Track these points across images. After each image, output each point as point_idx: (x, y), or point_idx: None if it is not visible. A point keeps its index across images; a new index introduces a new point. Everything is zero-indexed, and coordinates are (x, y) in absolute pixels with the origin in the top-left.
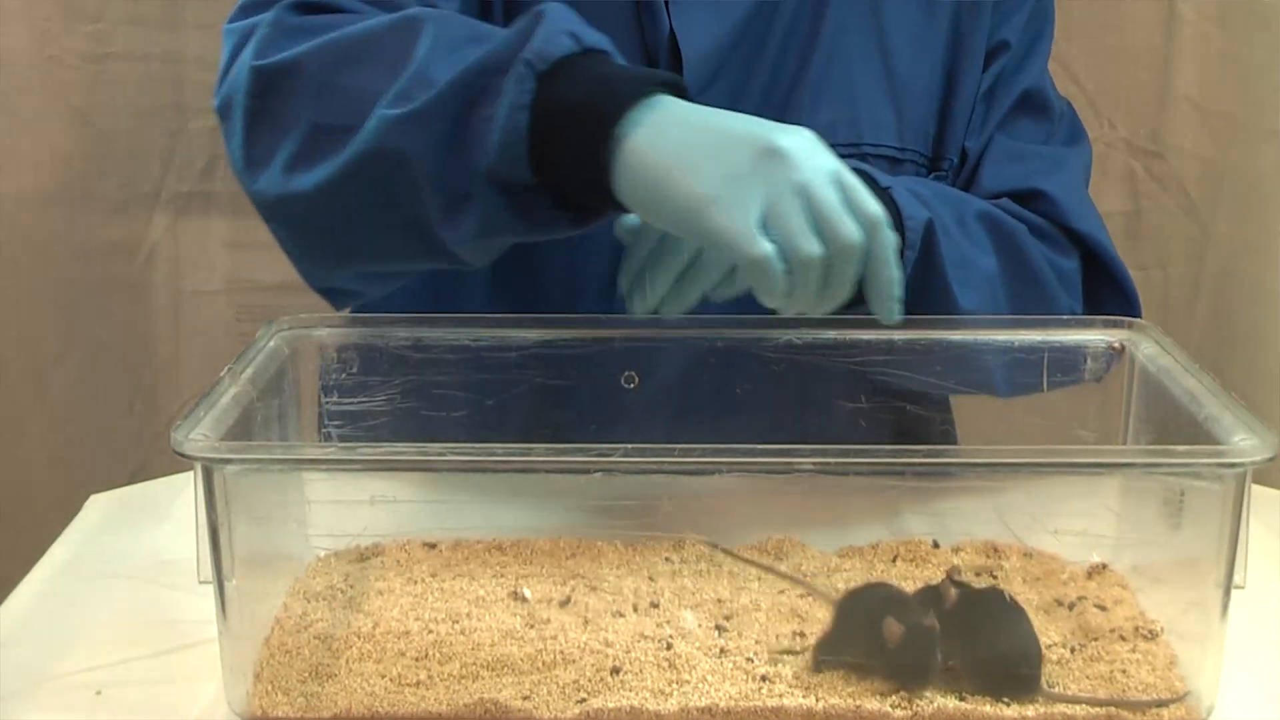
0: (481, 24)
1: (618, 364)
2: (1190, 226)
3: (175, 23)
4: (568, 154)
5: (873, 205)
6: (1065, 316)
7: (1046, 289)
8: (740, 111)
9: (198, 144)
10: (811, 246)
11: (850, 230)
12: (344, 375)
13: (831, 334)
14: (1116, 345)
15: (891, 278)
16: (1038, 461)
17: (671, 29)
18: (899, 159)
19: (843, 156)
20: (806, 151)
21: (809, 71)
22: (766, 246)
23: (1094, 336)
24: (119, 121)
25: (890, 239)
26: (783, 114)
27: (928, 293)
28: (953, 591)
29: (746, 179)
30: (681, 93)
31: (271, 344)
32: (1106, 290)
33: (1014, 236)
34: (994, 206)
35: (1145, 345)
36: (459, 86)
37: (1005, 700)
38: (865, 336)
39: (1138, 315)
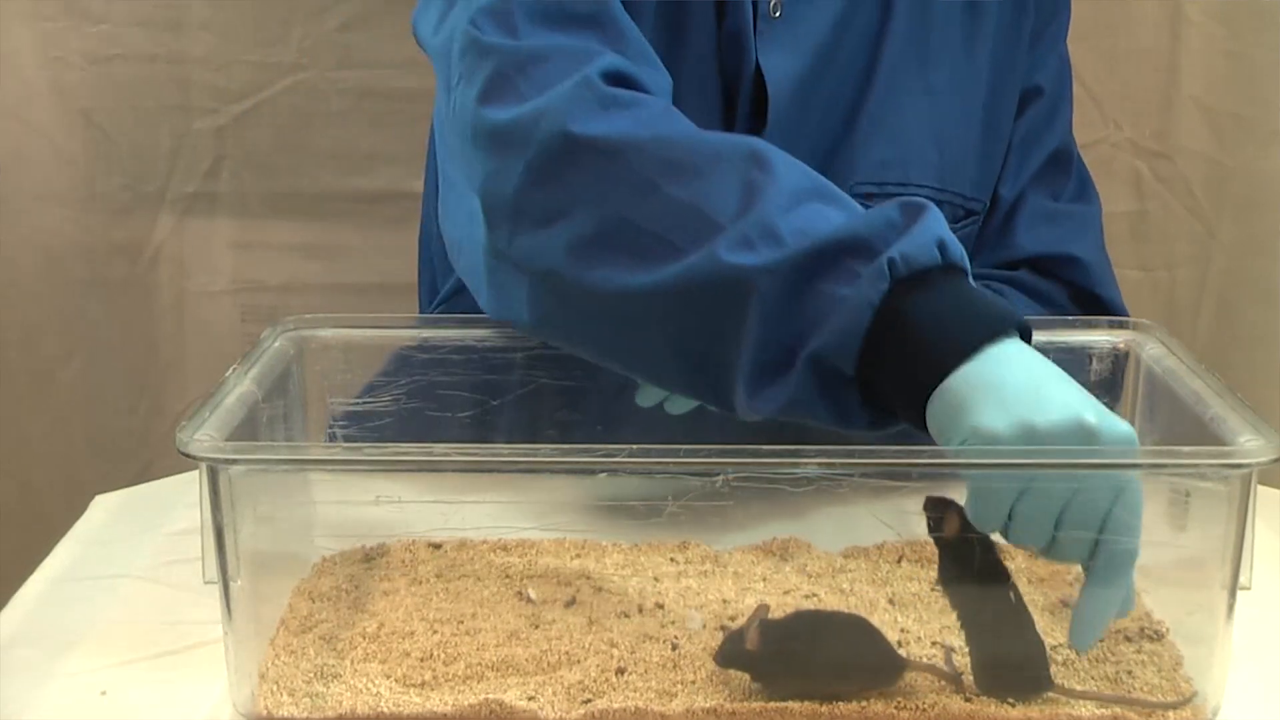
0: (816, 175)
1: None
2: (1196, 227)
3: (180, 24)
4: (899, 365)
5: (1128, 542)
6: (1069, 317)
7: None
8: (797, 145)
9: (203, 145)
10: (1034, 542)
11: (1077, 556)
12: (349, 375)
13: None
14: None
15: (1105, 618)
16: (1043, 462)
17: (758, 63)
18: (938, 200)
19: (889, 195)
20: (1111, 450)
21: (865, 108)
22: (996, 534)
23: (1099, 337)
24: (124, 122)
25: (1122, 589)
26: (838, 149)
27: None
28: (956, 520)
29: (1039, 433)
30: (1026, 334)
31: (277, 344)
32: None
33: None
34: (1018, 292)
35: (1150, 346)
36: (810, 255)
37: (1011, 701)
38: None
39: None
